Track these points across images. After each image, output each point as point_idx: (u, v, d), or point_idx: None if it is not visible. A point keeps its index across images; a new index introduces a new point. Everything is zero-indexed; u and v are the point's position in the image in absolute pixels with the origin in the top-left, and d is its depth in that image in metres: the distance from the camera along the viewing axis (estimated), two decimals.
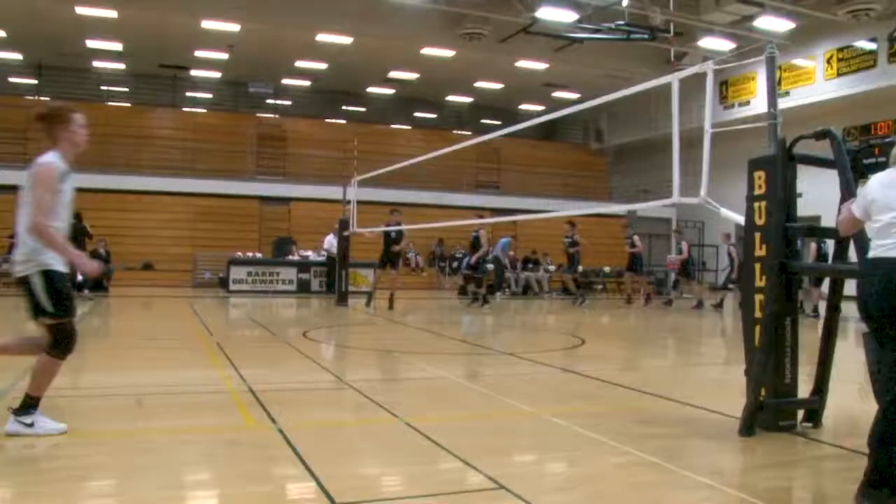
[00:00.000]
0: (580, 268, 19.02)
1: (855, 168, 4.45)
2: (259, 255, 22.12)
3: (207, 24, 22.57)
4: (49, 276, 4.17)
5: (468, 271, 17.15)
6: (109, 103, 29.29)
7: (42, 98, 28.12)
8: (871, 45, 21.15)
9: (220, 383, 6.13)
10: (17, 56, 27.07)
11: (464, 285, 22.32)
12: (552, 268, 23.54)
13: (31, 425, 4.19)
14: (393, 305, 14.79)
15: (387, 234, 14.94)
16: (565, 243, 18.09)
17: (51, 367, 4.26)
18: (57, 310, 4.18)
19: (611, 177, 33.16)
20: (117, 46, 25.42)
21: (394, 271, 15.18)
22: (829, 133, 4.46)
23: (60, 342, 4.21)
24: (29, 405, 4.22)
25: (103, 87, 29.70)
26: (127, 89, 30.02)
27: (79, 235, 17.06)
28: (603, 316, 16.02)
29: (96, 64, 27.99)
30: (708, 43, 22.50)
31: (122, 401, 5.41)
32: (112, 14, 21.63)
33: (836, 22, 20.59)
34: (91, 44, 24.96)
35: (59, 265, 4.23)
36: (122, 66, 28.34)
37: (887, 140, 19.14)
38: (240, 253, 21.27)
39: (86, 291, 17.03)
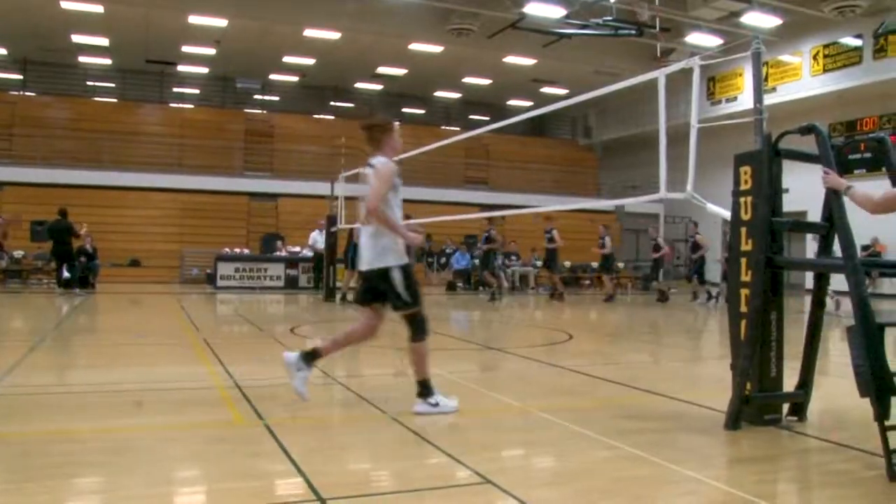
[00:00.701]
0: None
1: (840, 163, 4.49)
2: (247, 251, 22.09)
3: (194, 19, 22.46)
4: (404, 270, 4.71)
5: None
6: (96, 99, 29.13)
7: (28, 94, 27.93)
8: (857, 42, 21.30)
9: (208, 379, 6.12)
10: (2, 51, 26.86)
11: (452, 281, 22.44)
12: (539, 263, 23.58)
13: (436, 405, 4.76)
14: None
15: (351, 232, 15.21)
16: (482, 239, 18.29)
17: (420, 351, 4.79)
18: (412, 300, 4.72)
19: (599, 172, 33.23)
20: (103, 41, 25.22)
21: None
22: (814, 128, 4.49)
23: (419, 328, 4.76)
24: (426, 388, 4.78)
25: (89, 83, 29.51)
26: (113, 85, 29.83)
27: (64, 233, 16.90)
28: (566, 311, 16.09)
29: (82, 59, 27.77)
30: (695, 39, 22.60)
31: (109, 398, 5.39)
32: (98, 9, 21.49)
33: (823, 18, 20.73)
34: (77, 39, 24.75)
35: (404, 260, 4.75)
36: (108, 61, 28.13)
37: (872, 136, 19.28)
38: (227, 249, 21.22)
39: (76, 289, 16.90)
